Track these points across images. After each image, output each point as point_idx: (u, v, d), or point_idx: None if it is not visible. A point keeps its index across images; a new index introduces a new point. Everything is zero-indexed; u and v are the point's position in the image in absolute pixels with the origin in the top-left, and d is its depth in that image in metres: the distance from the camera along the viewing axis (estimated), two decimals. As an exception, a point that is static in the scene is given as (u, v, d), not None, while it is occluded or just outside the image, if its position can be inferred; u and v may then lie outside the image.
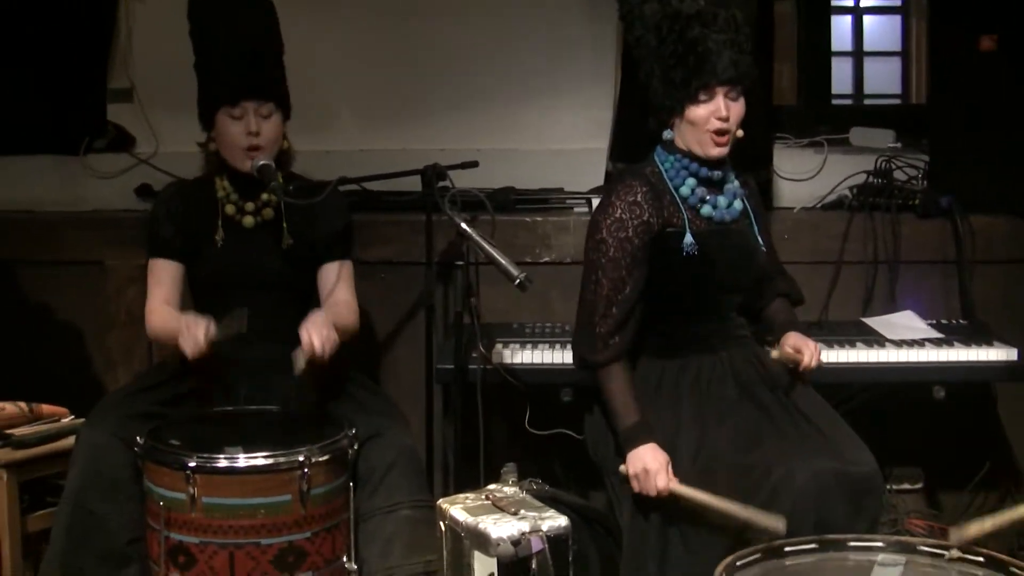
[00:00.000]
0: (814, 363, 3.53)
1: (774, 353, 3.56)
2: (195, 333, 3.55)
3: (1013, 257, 4.76)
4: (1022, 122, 4.61)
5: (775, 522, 3.11)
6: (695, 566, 3.29)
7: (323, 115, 5.10)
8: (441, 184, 4.14)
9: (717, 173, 3.52)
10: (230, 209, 3.88)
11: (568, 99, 5.23)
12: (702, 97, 3.39)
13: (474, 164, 4.35)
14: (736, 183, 3.59)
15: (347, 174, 4.04)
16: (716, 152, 3.45)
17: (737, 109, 3.43)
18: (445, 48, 5.22)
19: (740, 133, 3.47)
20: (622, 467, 3.40)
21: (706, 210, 3.50)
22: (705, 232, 3.48)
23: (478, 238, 3.71)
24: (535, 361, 4.10)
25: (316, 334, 3.58)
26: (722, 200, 3.53)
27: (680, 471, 3.36)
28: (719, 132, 3.42)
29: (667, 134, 3.52)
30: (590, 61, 5.20)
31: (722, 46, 3.38)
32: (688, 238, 3.44)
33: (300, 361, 3.58)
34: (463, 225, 3.76)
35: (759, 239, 3.61)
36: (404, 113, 5.23)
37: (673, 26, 3.41)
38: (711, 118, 3.40)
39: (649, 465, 3.33)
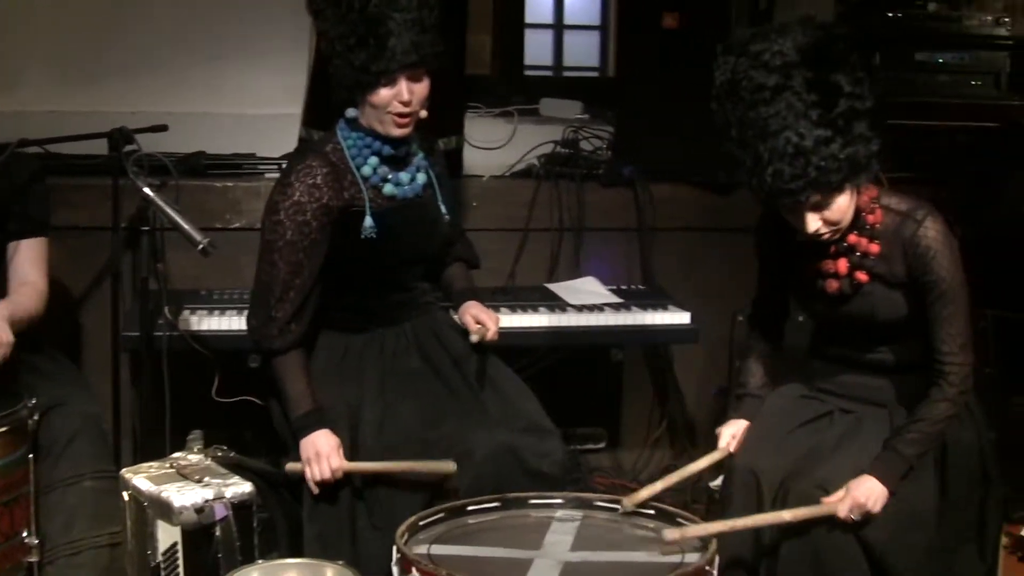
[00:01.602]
0: (493, 335, 3.53)
1: (473, 338, 3.53)
2: None
3: (691, 225, 4.95)
4: (702, 97, 4.72)
5: (446, 465, 3.22)
6: (385, 539, 3.20)
7: (6, 73, 4.92)
8: (129, 148, 4.04)
9: (401, 149, 3.46)
10: None
11: (263, 63, 5.16)
12: (383, 81, 3.29)
13: (163, 128, 4.26)
14: (420, 155, 3.55)
15: (35, 136, 3.90)
16: (399, 133, 3.37)
17: (420, 90, 3.34)
18: (139, 7, 5.08)
19: (424, 114, 3.39)
20: (289, 465, 3.38)
21: (388, 189, 3.44)
22: (387, 211, 3.42)
23: (162, 203, 3.64)
24: (223, 327, 4.07)
25: None
26: (404, 176, 3.48)
27: (365, 445, 3.36)
28: (401, 115, 3.34)
29: (351, 112, 3.42)
30: (286, 25, 5.09)
31: (403, 27, 3.25)
32: (368, 221, 3.38)
33: None
34: (146, 190, 3.67)
35: (442, 208, 3.59)
36: (96, 74, 5.07)
37: (353, 2, 3.27)
38: (392, 102, 3.31)
39: (320, 448, 3.30)
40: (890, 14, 5.12)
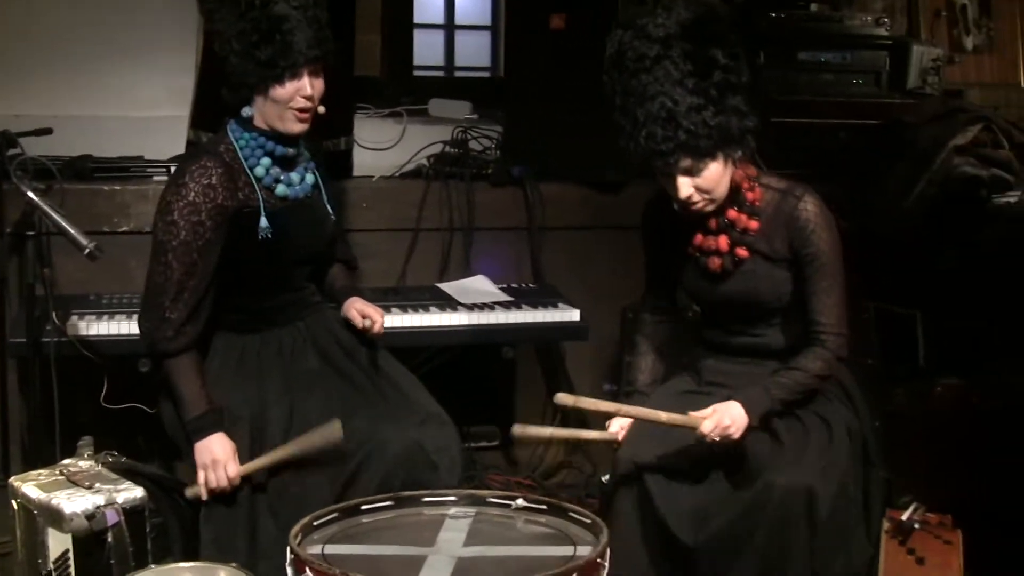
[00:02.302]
0: (379, 328, 3.58)
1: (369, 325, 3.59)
2: None
3: (580, 224, 4.99)
4: (588, 97, 4.74)
5: (331, 432, 3.25)
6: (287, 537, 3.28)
7: None
8: (13, 152, 3.99)
9: (291, 150, 3.47)
10: None
11: (149, 65, 5.13)
12: (287, 76, 3.31)
13: (48, 131, 4.22)
14: (307, 155, 3.56)
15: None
16: (299, 128, 3.39)
17: (319, 85, 3.37)
18: (22, 9, 5.01)
19: (322, 109, 3.42)
20: (188, 490, 3.36)
21: (281, 189, 3.45)
22: (280, 211, 3.43)
23: (46, 207, 3.61)
24: (112, 332, 4.02)
25: None
26: (295, 177, 3.49)
27: (274, 445, 3.34)
28: (303, 109, 3.36)
29: (246, 111, 3.42)
30: (172, 27, 5.09)
31: (304, 23, 3.31)
32: (263, 221, 3.38)
33: None
34: (30, 194, 3.64)
35: (328, 208, 3.61)
36: (-23, 76, 5.00)
37: (254, 1, 3.29)
38: (296, 96, 3.33)
39: (217, 455, 3.28)
40: (774, 14, 5.22)
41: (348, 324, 3.64)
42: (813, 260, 3.27)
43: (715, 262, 3.34)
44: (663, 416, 3.25)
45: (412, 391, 3.60)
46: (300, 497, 3.31)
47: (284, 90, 3.32)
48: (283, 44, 3.28)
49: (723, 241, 3.33)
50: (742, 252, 3.32)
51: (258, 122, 3.42)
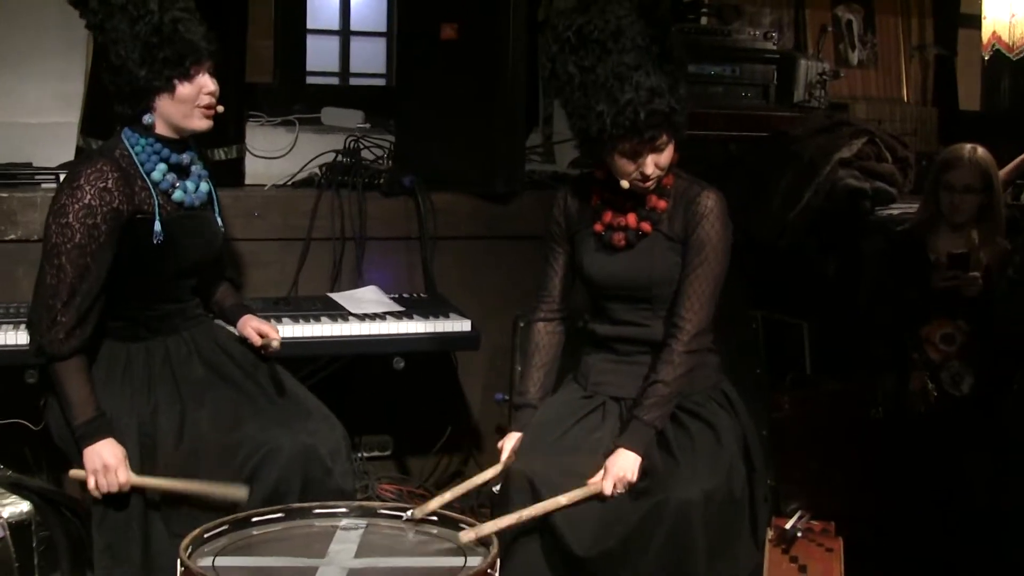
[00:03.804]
0: (278, 346, 3.59)
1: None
2: None
3: (472, 234, 5.00)
4: (479, 107, 4.83)
5: (236, 491, 3.22)
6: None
7: None
8: None
9: (185, 157, 3.49)
10: None
11: (37, 71, 5.04)
12: (192, 73, 3.35)
13: (-67, 138, 4.15)
14: (200, 164, 3.57)
15: None
16: (205, 125, 3.43)
17: (214, 83, 3.42)
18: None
19: (220, 108, 3.45)
20: (72, 472, 3.32)
21: (178, 195, 3.45)
22: (175, 218, 3.43)
23: (-70, 217, 3.54)
24: (-2, 343, 3.95)
25: None
26: (190, 184, 3.49)
27: (165, 452, 3.34)
28: (208, 106, 3.40)
29: (147, 119, 3.40)
30: (60, 32, 4.99)
31: (195, 23, 3.38)
32: (157, 226, 3.37)
33: None
34: (-86, 204, 3.58)
35: (218, 220, 3.61)
36: None
37: (145, 6, 3.32)
38: (200, 93, 3.38)
39: (108, 460, 3.25)
40: (664, 27, 5.26)
41: (242, 340, 3.64)
42: (697, 247, 3.37)
43: (619, 236, 3.43)
44: (564, 500, 3.25)
45: (301, 397, 3.62)
46: (190, 505, 3.31)
47: (191, 86, 3.37)
48: (186, 41, 3.33)
49: (631, 218, 3.42)
50: (646, 226, 3.41)
51: (160, 128, 3.43)
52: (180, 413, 3.42)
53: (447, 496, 3.35)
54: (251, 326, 3.62)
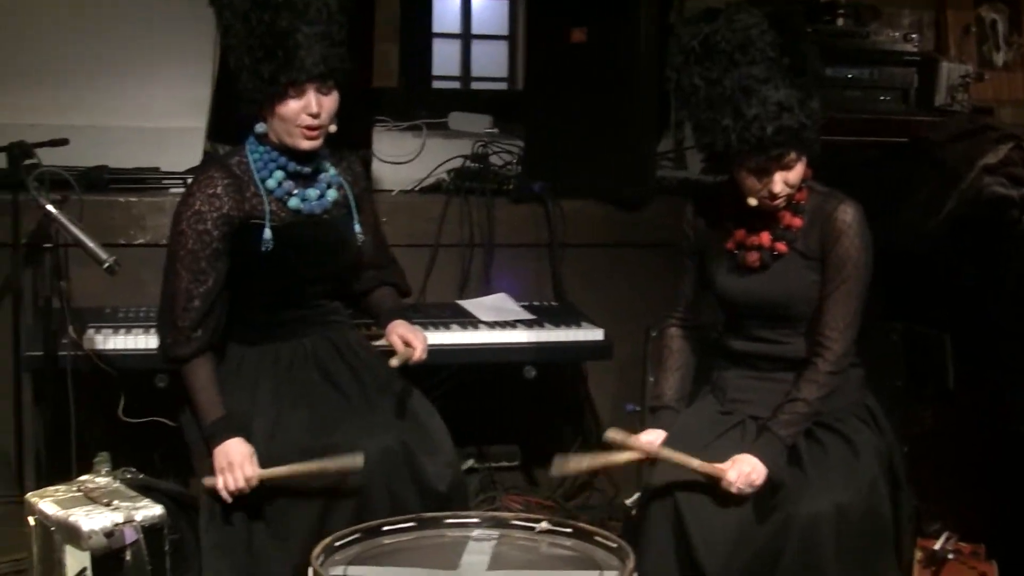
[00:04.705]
0: (420, 356, 3.52)
1: (393, 361, 3.48)
2: None
3: (601, 241, 4.94)
4: (608, 113, 4.79)
5: (352, 460, 3.19)
6: (286, 551, 3.27)
7: None
8: (28, 162, 3.95)
9: (307, 168, 3.47)
10: None
11: (165, 76, 5.03)
12: (291, 93, 3.30)
13: (64, 142, 4.19)
14: (332, 171, 3.54)
15: (-77, 149, 3.80)
16: (307, 145, 3.38)
17: (329, 103, 3.36)
18: (37, 17, 4.92)
19: (333, 128, 3.40)
20: (206, 480, 3.32)
21: (294, 203, 3.44)
22: (289, 225, 3.42)
23: (64, 220, 3.58)
24: (128, 347, 3.98)
25: None
26: (312, 192, 3.47)
27: (258, 455, 3.32)
28: (310, 127, 3.35)
29: (259, 127, 3.42)
30: (188, 36, 4.97)
31: (312, 40, 3.29)
32: (267, 233, 3.38)
33: None
34: (49, 206, 3.61)
35: (356, 228, 3.57)
36: (-9, 85, 4.95)
37: (262, 15, 3.28)
38: (301, 114, 3.32)
39: (233, 457, 3.27)
40: (799, 30, 5.16)
41: (367, 347, 3.63)
42: (838, 265, 3.27)
43: (753, 256, 3.34)
44: (695, 463, 3.22)
45: (406, 399, 3.56)
46: (287, 507, 3.32)
47: (288, 107, 3.32)
48: (285, 60, 3.27)
49: (765, 237, 3.33)
50: (781, 247, 3.31)
51: (272, 137, 3.42)
52: (276, 416, 3.42)
53: (585, 463, 3.36)
54: (397, 333, 3.56)
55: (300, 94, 3.31)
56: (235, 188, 3.38)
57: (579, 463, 3.35)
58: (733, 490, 3.19)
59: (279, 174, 3.43)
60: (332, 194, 3.52)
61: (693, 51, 3.21)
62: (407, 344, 3.52)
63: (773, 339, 3.40)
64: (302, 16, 3.29)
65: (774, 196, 3.22)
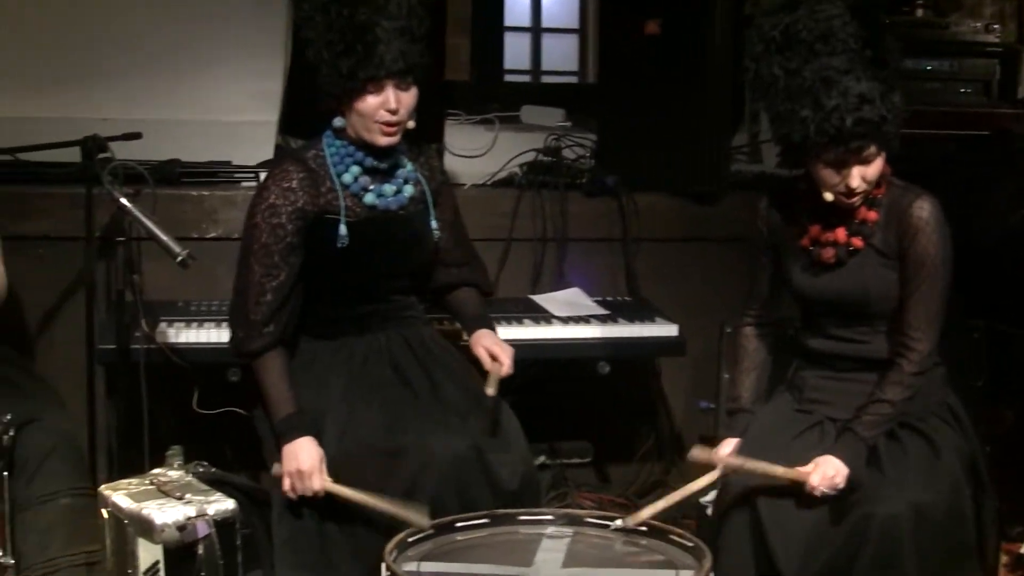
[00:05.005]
0: (507, 371, 3.48)
1: (489, 390, 3.43)
2: None
3: (675, 235, 4.90)
4: (682, 106, 4.74)
5: (419, 518, 3.07)
6: (358, 548, 3.26)
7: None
8: (102, 156, 3.96)
9: (384, 164, 3.44)
10: None
11: (236, 69, 5.03)
12: (370, 88, 3.27)
13: (137, 135, 4.18)
14: (409, 167, 3.51)
15: (2, 143, 3.82)
16: (385, 141, 3.35)
17: (408, 99, 3.33)
18: (108, 10, 4.93)
19: (412, 124, 3.38)
20: (275, 468, 3.31)
21: (369, 198, 3.41)
22: (364, 221, 3.40)
23: (138, 213, 3.58)
24: (200, 340, 3.98)
25: None
26: (388, 188, 3.45)
27: (327, 452, 3.31)
28: (388, 123, 3.32)
29: (338, 121, 3.40)
30: (259, 29, 5.01)
31: (392, 35, 3.25)
32: (342, 229, 3.36)
33: None
34: (123, 200, 3.62)
35: (433, 224, 3.55)
36: (63, 79, 4.89)
37: (341, 9, 3.26)
38: (379, 110, 3.30)
39: (303, 464, 3.24)
40: (878, 21, 5.10)
41: (441, 342, 3.60)
42: (917, 263, 3.21)
43: (828, 252, 3.28)
44: (779, 471, 3.18)
45: (494, 412, 3.50)
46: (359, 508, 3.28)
47: (366, 103, 3.30)
48: (365, 55, 3.24)
49: (840, 232, 3.27)
50: (857, 242, 3.25)
51: (349, 132, 3.40)
52: (347, 413, 3.39)
53: (660, 505, 3.23)
54: (483, 345, 3.52)
55: (379, 90, 3.28)
56: (310, 182, 3.36)
57: (654, 507, 3.22)
58: (816, 494, 3.14)
59: (355, 169, 3.41)
60: (409, 190, 3.50)
61: (773, 41, 3.16)
62: (493, 358, 3.48)
63: (851, 338, 3.34)
64: (382, 11, 3.26)
65: (851, 192, 3.16)
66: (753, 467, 3.21)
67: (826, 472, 3.14)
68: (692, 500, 3.54)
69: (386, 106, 3.29)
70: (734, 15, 4.74)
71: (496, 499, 3.31)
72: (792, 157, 3.26)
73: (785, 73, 3.14)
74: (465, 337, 3.65)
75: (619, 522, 3.08)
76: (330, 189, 3.38)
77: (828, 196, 3.19)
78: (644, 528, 3.05)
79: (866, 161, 3.12)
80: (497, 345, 3.52)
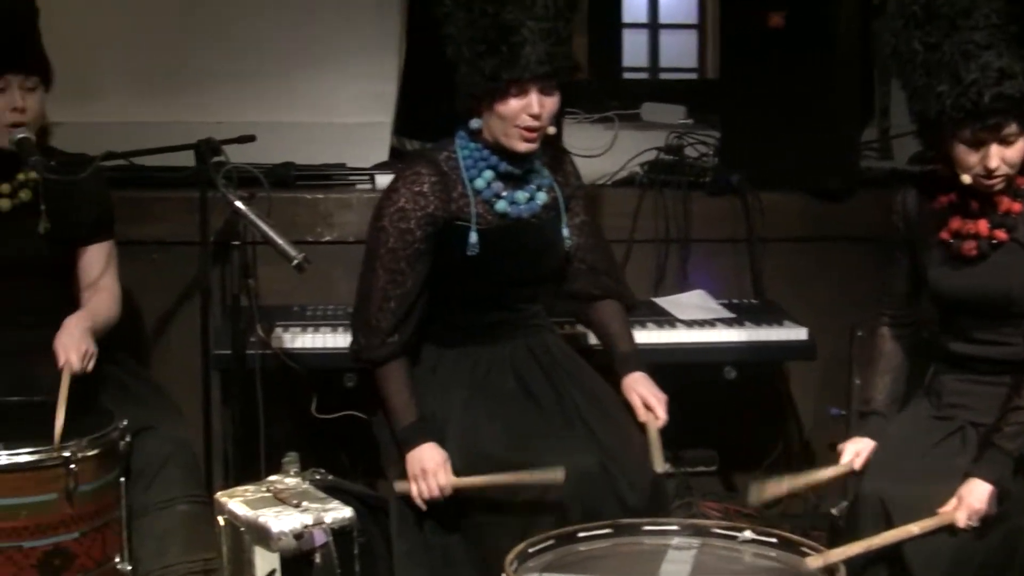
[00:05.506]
0: (662, 422, 3.41)
1: (657, 467, 3.33)
2: None
3: (801, 235, 4.81)
4: (808, 101, 4.65)
5: (554, 474, 3.08)
6: (482, 564, 3.21)
7: (86, 83, 4.77)
8: (216, 159, 3.94)
9: (518, 170, 3.35)
10: None
11: (350, 70, 5.04)
12: (513, 91, 3.18)
13: (251, 138, 4.17)
14: (544, 173, 3.44)
15: (113, 148, 3.82)
16: (524, 148, 3.26)
17: (551, 104, 3.24)
18: (221, 14, 4.97)
19: (552, 130, 3.30)
20: (397, 484, 3.29)
21: (501, 206, 3.34)
22: (495, 229, 3.33)
23: (254, 217, 3.54)
24: (316, 345, 3.96)
25: (74, 352, 3.41)
26: (521, 195, 3.37)
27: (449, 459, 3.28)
28: (529, 128, 3.23)
29: (475, 123, 3.30)
30: (373, 30, 5.02)
31: (538, 36, 3.15)
32: (473, 237, 3.29)
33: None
34: (238, 203, 3.58)
35: (564, 232, 3.47)
36: (177, 83, 4.94)
37: (486, 7, 3.17)
38: (522, 114, 3.20)
39: (427, 464, 3.21)
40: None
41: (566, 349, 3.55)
42: None
43: (969, 245, 3.17)
44: (916, 529, 3.03)
45: (617, 422, 3.42)
46: (484, 522, 3.27)
47: (508, 106, 3.20)
48: (510, 56, 3.15)
49: (982, 225, 3.16)
50: (1000, 235, 3.15)
51: (485, 135, 3.31)
52: (470, 424, 3.34)
53: (784, 486, 3.22)
54: (637, 393, 3.44)
55: (522, 93, 3.19)
56: (442, 187, 3.30)
57: (778, 487, 3.21)
58: (965, 527, 3.03)
59: (488, 174, 3.33)
60: (542, 197, 3.42)
61: (914, 16, 3.09)
62: (647, 407, 3.41)
63: (994, 340, 3.22)
64: (529, 10, 3.17)
65: (990, 173, 3.06)
66: (883, 540, 3.05)
67: (971, 504, 3.02)
68: (814, 490, 3.61)
69: (529, 110, 3.20)
70: (861, 5, 4.65)
71: (624, 515, 3.20)
72: (929, 136, 3.17)
73: (924, 48, 3.07)
74: (616, 370, 3.54)
75: (747, 532, 2.97)
76: (462, 194, 3.32)
77: (966, 179, 3.09)
78: (773, 540, 2.94)
79: (1006, 141, 3.03)
80: (652, 394, 3.43)
